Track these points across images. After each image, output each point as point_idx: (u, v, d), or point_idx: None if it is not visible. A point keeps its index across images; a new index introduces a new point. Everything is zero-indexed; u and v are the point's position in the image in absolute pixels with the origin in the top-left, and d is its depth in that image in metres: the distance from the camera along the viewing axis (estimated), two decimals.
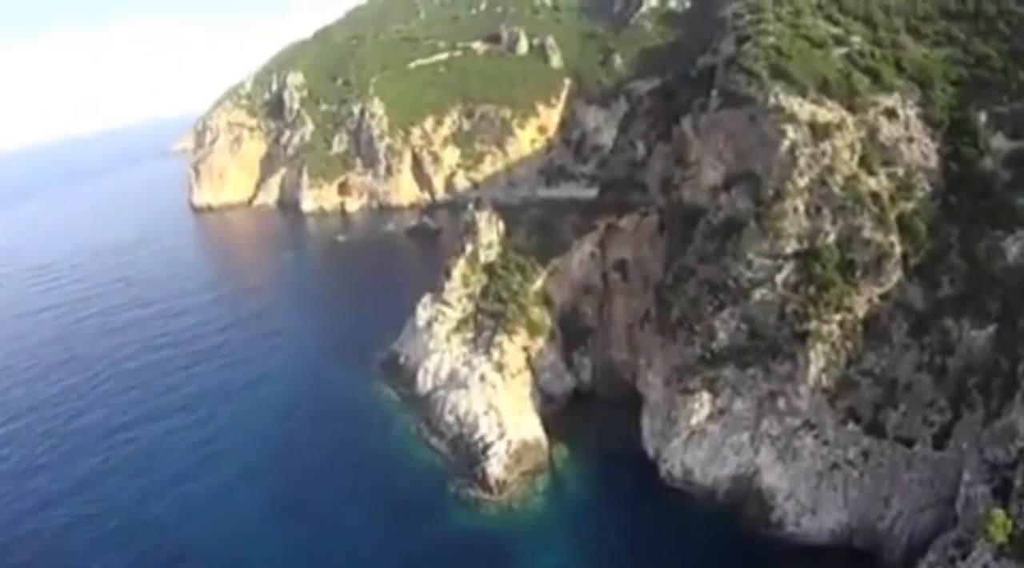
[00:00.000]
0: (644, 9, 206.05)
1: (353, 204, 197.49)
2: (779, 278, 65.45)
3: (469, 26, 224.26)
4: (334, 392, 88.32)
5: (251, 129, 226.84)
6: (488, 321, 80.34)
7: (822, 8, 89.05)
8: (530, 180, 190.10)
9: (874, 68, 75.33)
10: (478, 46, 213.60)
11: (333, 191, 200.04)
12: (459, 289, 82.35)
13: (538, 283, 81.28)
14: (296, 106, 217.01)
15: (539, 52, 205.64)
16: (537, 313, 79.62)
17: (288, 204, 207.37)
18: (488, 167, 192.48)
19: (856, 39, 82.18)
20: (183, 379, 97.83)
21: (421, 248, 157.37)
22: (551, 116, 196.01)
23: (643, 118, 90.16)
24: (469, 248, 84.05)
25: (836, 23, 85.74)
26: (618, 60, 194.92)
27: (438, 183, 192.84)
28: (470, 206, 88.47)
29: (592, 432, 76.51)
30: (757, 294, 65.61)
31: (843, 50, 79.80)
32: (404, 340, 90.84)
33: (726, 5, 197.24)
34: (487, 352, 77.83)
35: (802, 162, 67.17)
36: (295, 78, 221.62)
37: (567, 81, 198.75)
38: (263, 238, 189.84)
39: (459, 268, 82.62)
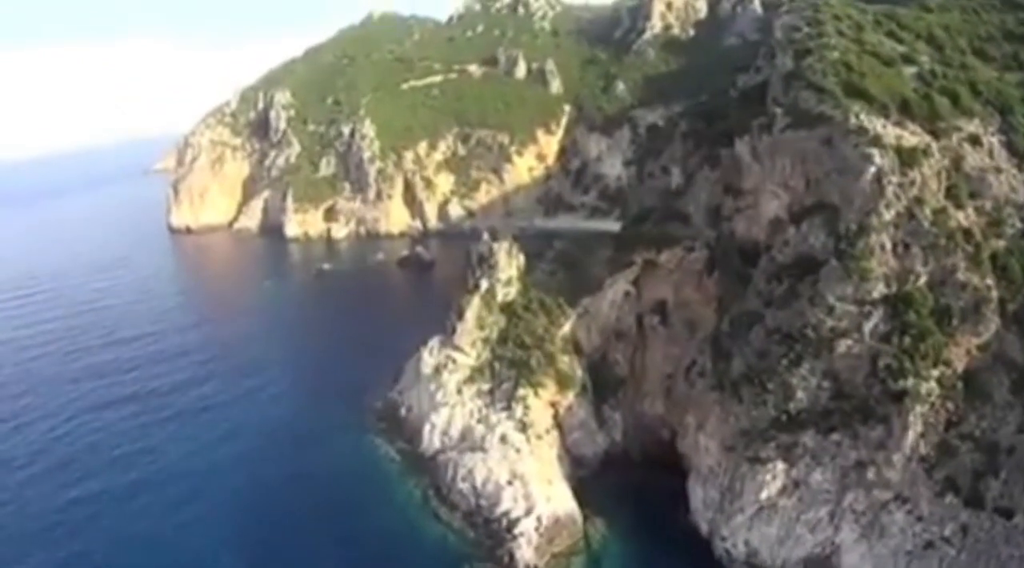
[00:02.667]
0: (647, 36, 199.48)
1: (340, 230, 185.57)
2: (867, 327, 56.19)
3: (465, 48, 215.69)
4: (322, 447, 75.53)
5: (234, 148, 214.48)
6: (507, 371, 68.69)
7: (881, 25, 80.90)
8: (528, 210, 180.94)
9: (951, 90, 67.14)
10: (474, 69, 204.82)
11: (319, 216, 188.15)
12: (473, 332, 70.59)
13: (566, 327, 70.01)
14: (282, 126, 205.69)
15: (538, 76, 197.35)
16: (566, 362, 68.15)
17: (271, 228, 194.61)
18: (484, 195, 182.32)
19: (924, 59, 74.22)
20: (149, 428, 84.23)
21: (413, 280, 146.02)
22: (550, 143, 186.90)
23: (680, 141, 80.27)
24: (484, 284, 72.49)
25: (900, 41, 77.49)
26: (621, 87, 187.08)
27: (431, 211, 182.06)
28: (485, 235, 77.08)
29: (630, 502, 65.24)
30: (842, 346, 56.02)
31: (913, 69, 71.66)
32: (404, 388, 78.79)
33: (729, 35, 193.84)
34: (508, 408, 66.11)
35: (889, 192, 58.05)
36: (282, 97, 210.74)
37: (567, 107, 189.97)
38: (243, 264, 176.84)
39: (474, 307, 70.88)
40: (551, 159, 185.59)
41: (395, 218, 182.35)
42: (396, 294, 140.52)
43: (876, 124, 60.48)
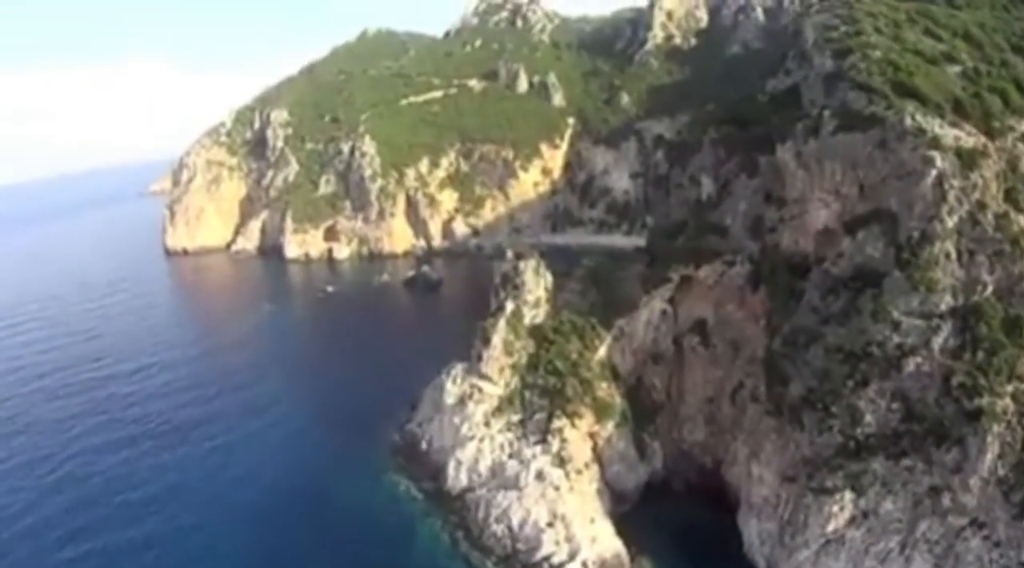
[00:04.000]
0: (649, 46, 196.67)
1: (341, 251, 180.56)
2: (936, 342, 52.24)
3: (464, 63, 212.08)
4: (339, 488, 69.62)
5: (231, 168, 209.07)
6: (539, 400, 63.53)
7: (916, 23, 77.15)
8: (535, 226, 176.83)
9: (999, 88, 63.35)
10: (474, 83, 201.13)
11: (319, 236, 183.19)
12: (501, 358, 65.44)
13: (602, 351, 64.99)
14: (280, 144, 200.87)
15: (540, 90, 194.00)
16: (604, 389, 63.02)
17: (270, 250, 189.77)
18: (489, 212, 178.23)
19: (964, 57, 70.57)
20: (153, 473, 77.55)
21: (421, 302, 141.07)
22: (555, 157, 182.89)
23: (711, 149, 75.86)
24: (510, 306, 67.51)
25: (939, 39, 73.68)
26: (625, 98, 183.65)
27: (434, 229, 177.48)
28: (509, 253, 72.31)
29: (677, 537, 60.26)
30: (911, 363, 51.86)
31: (957, 68, 67.92)
32: (424, 420, 73.55)
33: (733, 44, 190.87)
34: (543, 441, 60.92)
35: (951, 197, 53.85)
36: (279, 115, 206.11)
37: (570, 120, 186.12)
38: (242, 287, 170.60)
39: (500, 332, 65.81)
40: (556, 173, 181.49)
41: (398, 237, 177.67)
42: (404, 316, 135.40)
43: (933, 125, 56.51)
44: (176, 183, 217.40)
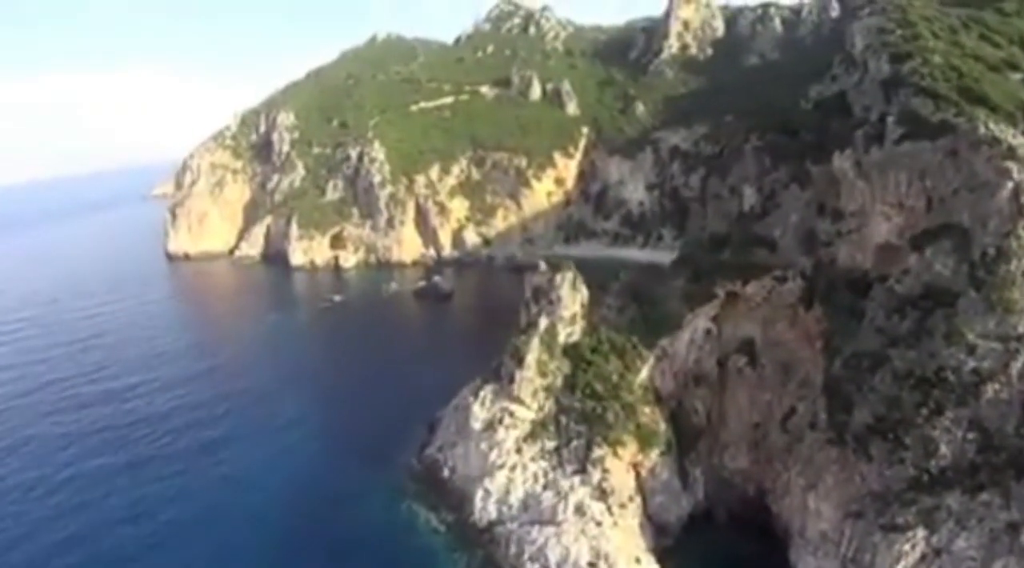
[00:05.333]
0: (664, 55, 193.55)
1: (348, 259, 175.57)
2: (1015, 367, 47.99)
3: (475, 69, 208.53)
4: (349, 514, 64.38)
5: (235, 172, 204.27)
6: (577, 425, 58.83)
7: (969, 28, 73.44)
8: (548, 236, 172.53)
9: None
10: (486, 90, 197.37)
11: (325, 244, 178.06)
12: (535, 380, 60.90)
13: (644, 372, 60.50)
14: (286, 148, 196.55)
15: (554, 98, 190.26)
16: (648, 414, 58.44)
17: (274, 256, 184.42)
18: (501, 221, 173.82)
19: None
20: (150, 497, 71.39)
21: (433, 313, 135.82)
22: (569, 167, 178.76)
23: (753, 158, 71.88)
24: (544, 323, 63.07)
25: (996, 45, 69.98)
26: (640, 108, 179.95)
27: (444, 238, 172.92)
28: (542, 264, 67.95)
29: None
30: (988, 390, 47.46)
31: (1018, 75, 64.14)
32: (446, 444, 68.72)
33: (750, 54, 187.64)
34: (582, 471, 56.18)
35: None
36: (286, 118, 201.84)
37: (585, 129, 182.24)
38: (246, 295, 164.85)
39: (534, 350, 61.31)
40: (570, 183, 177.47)
41: (407, 246, 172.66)
42: (416, 328, 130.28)
43: (1007, 134, 52.60)
44: (179, 186, 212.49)
